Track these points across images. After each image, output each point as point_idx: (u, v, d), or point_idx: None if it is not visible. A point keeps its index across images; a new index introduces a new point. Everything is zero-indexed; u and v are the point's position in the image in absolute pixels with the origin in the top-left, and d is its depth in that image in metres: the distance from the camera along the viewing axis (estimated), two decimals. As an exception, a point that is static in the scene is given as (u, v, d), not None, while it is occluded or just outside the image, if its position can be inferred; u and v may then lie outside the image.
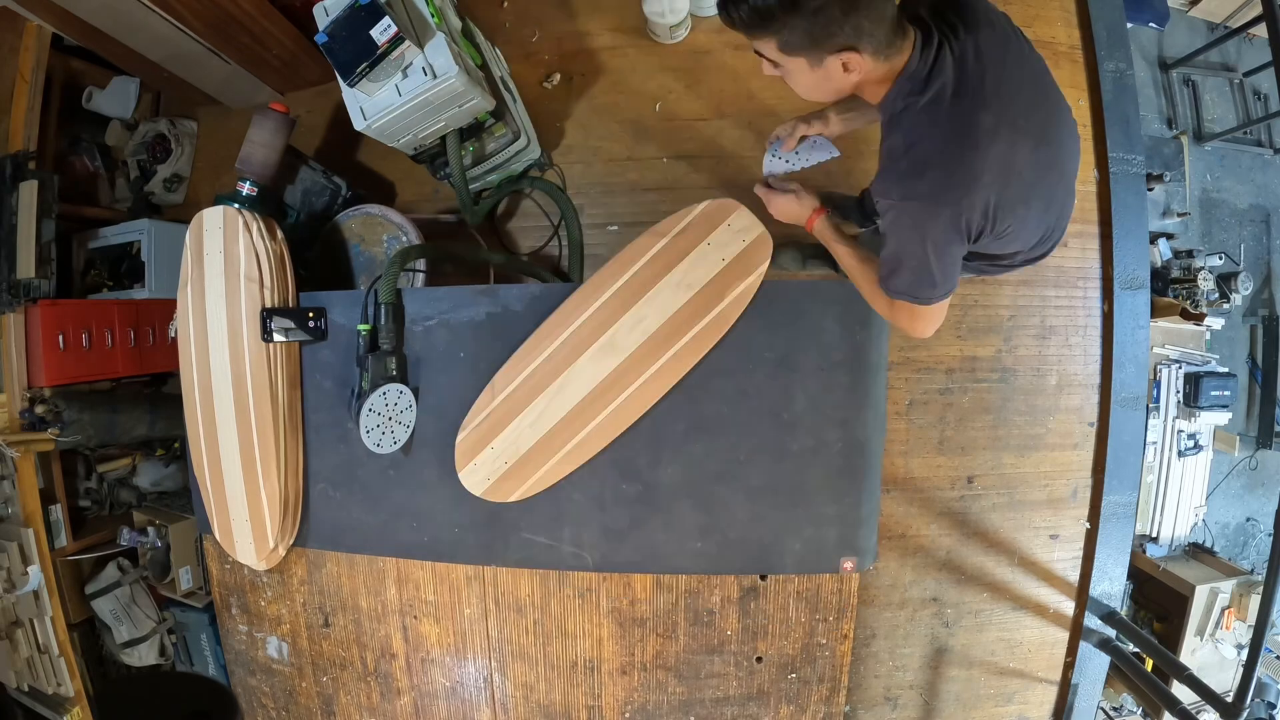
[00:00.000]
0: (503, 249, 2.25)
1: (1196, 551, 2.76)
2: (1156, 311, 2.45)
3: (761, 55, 0.99)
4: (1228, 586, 2.48)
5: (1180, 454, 2.67)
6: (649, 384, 1.42)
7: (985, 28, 0.99)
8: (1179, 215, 2.86)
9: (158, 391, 2.33)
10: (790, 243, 2.04)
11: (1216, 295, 2.73)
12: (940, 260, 1.03)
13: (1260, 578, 2.47)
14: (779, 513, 1.46)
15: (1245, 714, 1.73)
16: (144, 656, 2.23)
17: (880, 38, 0.93)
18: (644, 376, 1.42)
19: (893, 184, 1.00)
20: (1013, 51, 1.02)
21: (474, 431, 1.48)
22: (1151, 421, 2.60)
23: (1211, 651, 2.51)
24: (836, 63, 0.94)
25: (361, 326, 1.49)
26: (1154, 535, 2.72)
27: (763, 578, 1.50)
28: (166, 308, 1.71)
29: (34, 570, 1.85)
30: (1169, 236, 2.86)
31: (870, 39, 0.92)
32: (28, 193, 1.92)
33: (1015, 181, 1.00)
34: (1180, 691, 2.03)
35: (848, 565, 1.47)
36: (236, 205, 1.56)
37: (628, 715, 1.60)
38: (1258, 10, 2.64)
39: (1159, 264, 2.76)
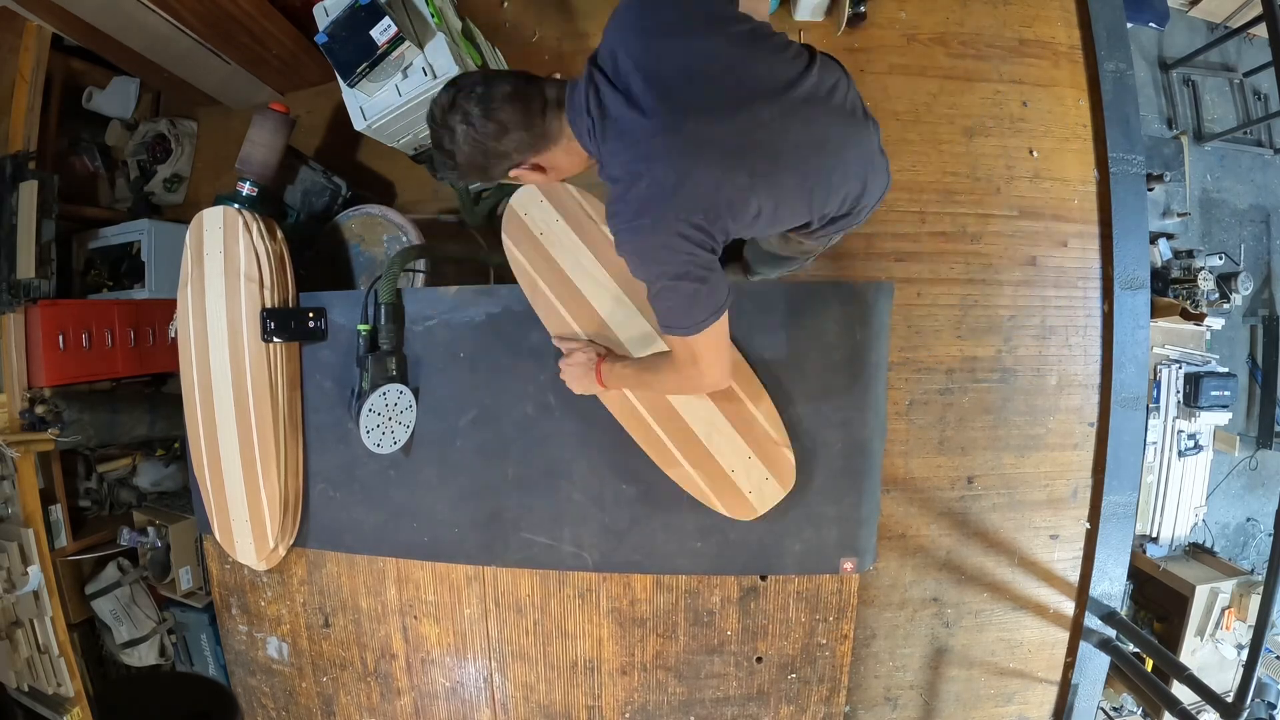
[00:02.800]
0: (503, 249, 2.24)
1: (1196, 551, 2.76)
2: (1156, 311, 2.45)
3: None
4: (1228, 586, 2.48)
5: (1180, 454, 2.67)
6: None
7: (627, 34, 0.95)
8: (1179, 215, 2.86)
9: (158, 391, 2.33)
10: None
11: (1216, 295, 2.73)
12: (692, 275, 0.95)
13: (1260, 578, 2.47)
14: (779, 513, 1.46)
15: (1245, 714, 1.73)
16: (144, 656, 2.23)
17: (526, 144, 0.96)
18: None
19: (614, 226, 0.96)
20: (675, 36, 0.94)
21: None
22: (1151, 421, 2.60)
23: (1211, 651, 2.51)
24: (518, 173, 1.02)
25: (361, 326, 1.49)
26: (1154, 535, 2.72)
27: (763, 578, 1.50)
28: (166, 308, 1.71)
29: (34, 570, 1.85)
30: (1169, 236, 2.86)
31: (520, 152, 0.97)
32: (28, 193, 1.92)
33: (731, 165, 0.92)
34: (1180, 692, 2.03)
35: (848, 565, 1.47)
36: (236, 205, 1.56)
37: (628, 715, 1.60)
38: (1258, 10, 2.64)
39: (1159, 264, 2.76)
